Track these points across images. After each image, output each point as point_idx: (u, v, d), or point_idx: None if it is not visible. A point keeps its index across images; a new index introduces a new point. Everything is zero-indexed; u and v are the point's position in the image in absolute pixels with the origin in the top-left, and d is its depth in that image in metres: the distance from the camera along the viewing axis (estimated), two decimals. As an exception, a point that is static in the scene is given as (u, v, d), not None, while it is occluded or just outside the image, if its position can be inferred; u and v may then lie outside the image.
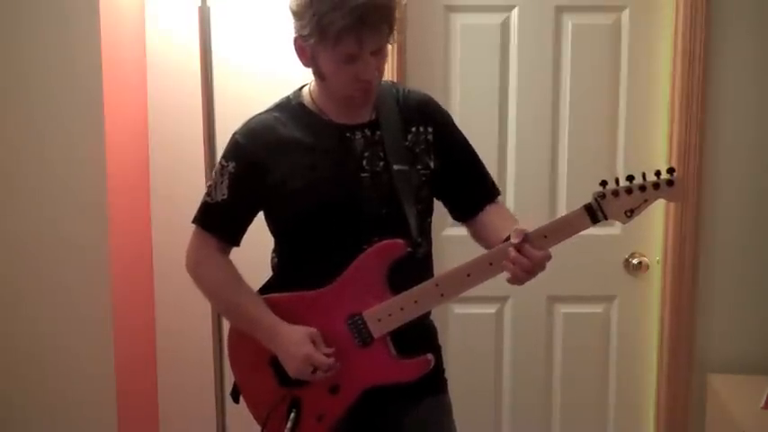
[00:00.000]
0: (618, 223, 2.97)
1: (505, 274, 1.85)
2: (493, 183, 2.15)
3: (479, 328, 3.16)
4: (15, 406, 2.75)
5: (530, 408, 3.20)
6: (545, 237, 1.81)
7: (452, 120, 2.12)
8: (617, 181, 1.79)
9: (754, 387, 2.77)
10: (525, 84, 3.02)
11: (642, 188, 1.77)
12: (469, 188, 2.11)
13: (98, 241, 2.68)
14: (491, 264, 1.85)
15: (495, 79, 3.03)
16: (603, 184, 1.79)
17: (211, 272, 2.04)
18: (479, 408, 3.18)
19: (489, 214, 2.08)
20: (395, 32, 1.87)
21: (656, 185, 1.77)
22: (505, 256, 1.81)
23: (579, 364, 3.17)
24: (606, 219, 1.80)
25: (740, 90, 2.91)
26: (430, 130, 2.03)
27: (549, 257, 1.82)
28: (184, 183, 2.91)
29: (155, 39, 2.95)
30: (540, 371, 3.18)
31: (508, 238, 1.83)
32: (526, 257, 1.79)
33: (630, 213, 1.79)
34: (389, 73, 2.86)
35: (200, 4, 2.67)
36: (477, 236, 2.09)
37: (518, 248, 1.80)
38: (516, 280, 1.83)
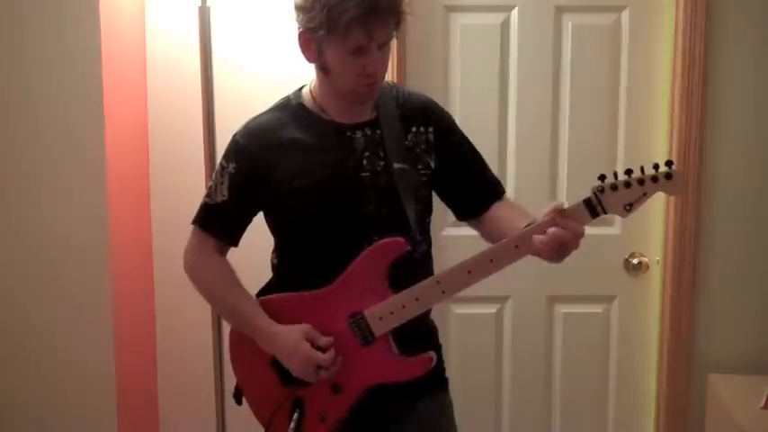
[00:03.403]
0: (618, 223, 3.01)
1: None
2: (498, 181, 2.15)
3: (479, 328, 3.15)
4: (15, 406, 2.75)
5: (530, 407, 3.20)
6: (545, 232, 1.81)
7: (454, 121, 2.12)
8: (615, 175, 1.79)
9: (754, 387, 2.77)
10: (525, 84, 3.02)
11: (641, 182, 1.77)
12: (474, 187, 2.11)
13: (98, 241, 2.68)
14: (492, 260, 1.85)
15: (495, 79, 3.03)
16: (602, 178, 1.78)
17: (209, 273, 2.04)
18: (479, 407, 3.18)
19: (499, 210, 2.07)
20: (400, 28, 1.88)
21: (654, 179, 1.77)
22: (507, 251, 1.82)
23: (579, 364, 3.17)
24: (606, 213, 1.80)
25: (740, 90, 2.91)
26: (431, 130, 2.03)
27: (582, 234, 1.79)
28: (184, 183, 2.91)
29: (155, 39, 2.95)
30: (540, 371, 3.18)
31: (527, 226, 1.83)
32: (566, 230, 1.77)
33: (630, 207, 1.79)
34: (390, 73, 2.84)
35: (200, 4, 2.67)
36: (489, 233, 2.06)
37: (556, 224, 1.77)
38: (554, 255, 1.80)
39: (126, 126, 2.84)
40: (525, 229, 1.82)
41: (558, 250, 1.78)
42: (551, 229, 1.77)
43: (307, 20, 1.84)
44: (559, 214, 1.78)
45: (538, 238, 1.78)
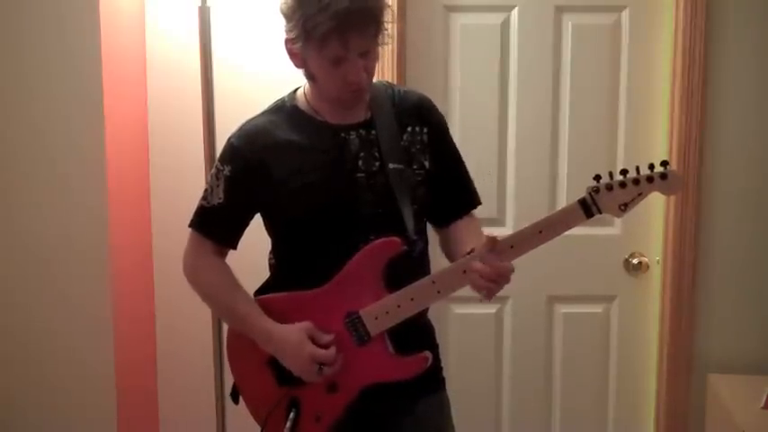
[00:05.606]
0: (618, 223, 3.01)
1: None
2: (474, 193, 2.14)
3: (479, 328, 3.15)
4: (15, 406, 2.76)
5: (530, 408, 3.20)
6: (540, 232, 1.82)
7: (446, 125, 2.12)
8: (611, 175, 1.79)
9: (754, 387, 2.76)
10: (525, 84, 3.02)
11: (636, 181, 1.78)
12: (449, 196, 2.10)
13: (98, 241, 2.69)
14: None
15: (495, 79, 3.03)
16: (597, 178, 1.79)
17: (208, 275, 2.04)
18: (479, 407, 3.18)
19: (459, 228, 2.08)
20: (384, 34, 1.87)
21: (649, 179, 1.78)
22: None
23: (579, 364, 3.17)
24: (600, 213, 1.80)
25: (740, 90, 2.91)
26: (425, 130, 2.03)
27: (511, 270, 1.82)
28: (184, 183, 2.91)
29: (155, 39, 2.96)
30: (540, 371, 3.18)
31: (471, 251, 1.85)
32: (489, 267, 1.80)
33: (624, 207, 1.79)
34: (390, 73, 2.87)
35: (200, 4, 2.68)
36: (444, 247, 2.10)
37: (482, 259, 1.81)
38: (481, 289, 1.84)
39: (126, 126, 2.85)
40: (522, 230, 1.83)
41: (490, 289, 1.83)
42: (478, 265, 1.81)
43: (288, 29, 1.86)
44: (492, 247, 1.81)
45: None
